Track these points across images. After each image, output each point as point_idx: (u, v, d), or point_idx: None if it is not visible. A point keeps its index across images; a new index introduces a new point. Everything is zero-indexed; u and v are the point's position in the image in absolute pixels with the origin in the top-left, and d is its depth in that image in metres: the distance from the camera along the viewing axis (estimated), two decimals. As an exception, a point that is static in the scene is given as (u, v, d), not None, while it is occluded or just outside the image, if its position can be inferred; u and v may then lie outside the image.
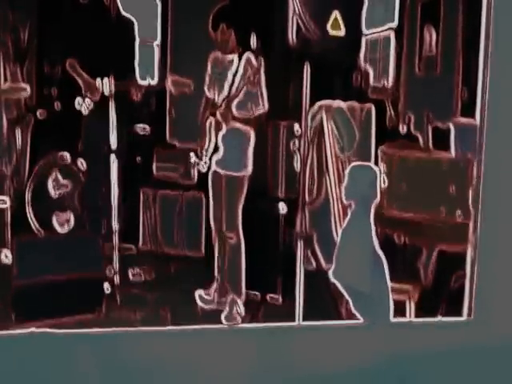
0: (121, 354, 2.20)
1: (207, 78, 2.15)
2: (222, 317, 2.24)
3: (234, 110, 2.17)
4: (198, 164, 2.17)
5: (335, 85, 2.19)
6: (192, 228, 2.22)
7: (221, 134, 2.18)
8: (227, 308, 2.24)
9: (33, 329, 2.17)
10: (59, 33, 2.08)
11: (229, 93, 2.16)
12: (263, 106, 2.17)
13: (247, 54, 2.13)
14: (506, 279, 2.27)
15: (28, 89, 2.09)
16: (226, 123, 2.16)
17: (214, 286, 2.23)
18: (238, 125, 2.17)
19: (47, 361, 2.18)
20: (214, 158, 2.18)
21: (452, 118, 2.22)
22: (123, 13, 2.09)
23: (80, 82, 2.10)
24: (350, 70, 2.18)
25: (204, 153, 2.18)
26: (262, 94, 2.16)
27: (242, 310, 2.24)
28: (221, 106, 2.16)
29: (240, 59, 2.14)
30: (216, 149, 2.18)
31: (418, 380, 2.25)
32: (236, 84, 2.15)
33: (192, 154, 2.18)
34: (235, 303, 2.24)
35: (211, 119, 2.17)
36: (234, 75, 2.15)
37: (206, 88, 2.15)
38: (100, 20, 2.09)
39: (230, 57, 2.14)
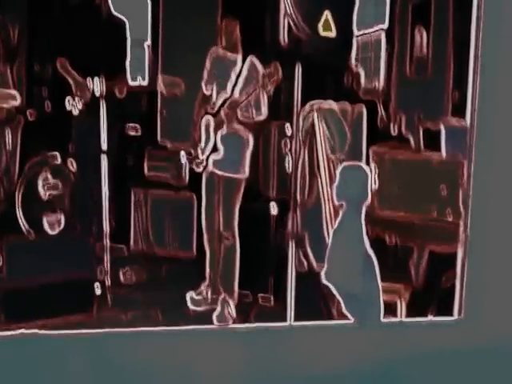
0: (112, 356, 2.20)
1: (205, 75, 2.14)
2: (214, 316, 2.24)
3: (238, 112, 2.17)
4: (191, 163, 2.17)
5: (327, 85, 2.19)
6: (183, 229, 2.21)
7: (219, 134, 2.17)
8: (219, 307, 2.24)
9: (22, 330, 2.16)
10: (49, 32, 2.07)
11: (232, 93, 2.15)
12: (262, 113, 2.17)
13: (251, 57, 2.13)
14: (496, 279, 2.29)
15: (18, 97, 2.08)
16: (229, 124, 2.16)
17: (206, 285, 2.23)
18: (238, 127, 2.17)
19: (37, 362, 2.17)
20: (212, 158, 2.18)
21: (443, 119, 2.23)
22: (114, 12, 2.08)
23: (71, 81, 2.09)
24: (341, 71, 2.18)
25: (200, 152, 2.17)
26: (263, 101, 2.17)
27: (233, 310, 2.24)
28: (224, 105, 2.15)
29: (244, 60, 2.13)
30: (214, 149, 2.18)
31: (409, 380, 2.26)
32: (240, 86, 2.14)
33: (182, 154, 2.17)
34: (227, 303, 2.24)
35: (209, 118, 2.16)
36: (238, 76, 2.14)
37: (203, 84, 2.14)
38: (91, 19, 2.08)
39: (232, 56, 2.14)
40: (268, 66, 2.14)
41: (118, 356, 2.19)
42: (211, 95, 2.15)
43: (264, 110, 2.17)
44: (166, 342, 2.20)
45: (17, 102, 2.08)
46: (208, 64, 2.13)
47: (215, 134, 2.16)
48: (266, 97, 2.15)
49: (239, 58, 2.13)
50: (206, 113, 2.16)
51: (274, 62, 2.14)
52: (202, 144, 2.17)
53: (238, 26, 2.11)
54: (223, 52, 2.13)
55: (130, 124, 2.15)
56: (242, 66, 2.13)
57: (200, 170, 2.18)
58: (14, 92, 2.07)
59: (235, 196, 2.19)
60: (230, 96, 2.15)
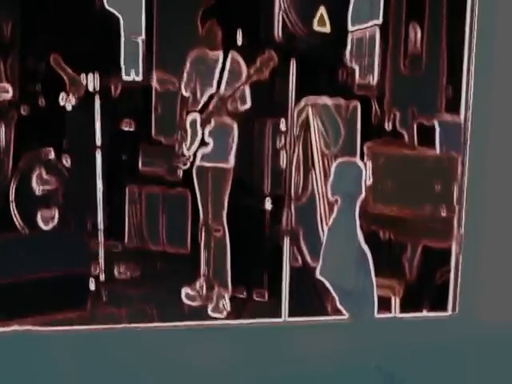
0: (106, 351, 2.18)
1: (185, 76, 2.14)
2: (209, 309, 2.24)
3: (228, 105, 2.17)
4: (179, 162, 2.18)
5: (321, 81, 2.20)
6: (178, 225, 2.21)
7: (208, 128, 2.17)
8: (214, 301, 2.24)
9: (15, 327, 2.14)
10: (43, 28, 2.06)
11: (218, 89, 2.16)
12: (247, 103, 2.18)
13: (232, 52, 2.14)
14: (489, 274, 2.29)
15: (10, 90, 2.07)
16: (218, 117, 2.16)
17: (201, 281, 2.23)
18: (225, 118, 2.17)
19: (31, 359, 2.16)
20: (200, 153, 2.18)
21: (437, 115, 2.23)
22: (107, 7, 2.07)
23: (64, 77, 2.09)
24: (335, 67, 2.18)
25: (185, 148, 2.18)
26: (248, 91, 2.17)
27: (228, 304, 2.24)
28: (210, 101, 2.16)
29: (226, 56, 2.14)
30: (202, 143, 2.18)
31: (404, 374, 2.26)
32: (225, 81, 2.15)
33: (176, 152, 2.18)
34: (222, 297, 2.24)
35: (195, 115, 2.17)
36: (222, 72, 2.15)
37: (182, 86, 2.15)
38: (85, 15, 2.07)
39: (214, 54, 2.14)
40: (256, 57, 2.14)
41: (112, 352, 2.18)
42: (194, 94, 2.16)
43: (249, 100, 2.17)
44: (161, 338, 2.19)
45: (8, 95, 2.07)
46: (188, 66, 2.14)
47: (202, 128, 2.17)
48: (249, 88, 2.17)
49: (221, 54, 2.14)
50: (192, 111, 2.17)
51: (263, 53, 2.14)
52: (188, 141, 2.17)
53: (221, 25, 2.12)
54: (206, 52, 2.13)
55: (124, 119, 2.15)
56: (225, 62, 2.14)
57: (186, 167, 2.18)
58: (5, 85, 2.06)
59: (224, 186, 2.19)
60: (217, 91, 2.16)
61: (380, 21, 2.18)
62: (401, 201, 2.26)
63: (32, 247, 2.13)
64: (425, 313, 2.32)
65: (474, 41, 2.19)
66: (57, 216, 2.15)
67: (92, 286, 2.18)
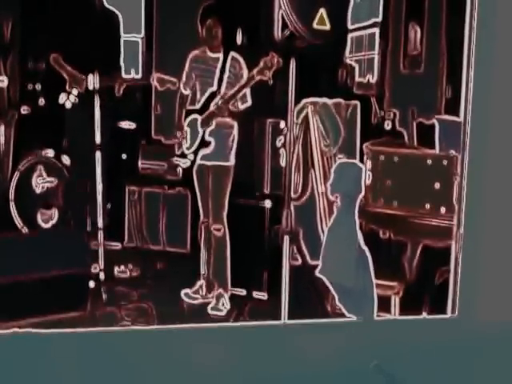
0: (106, 352, 2.19)
1: (184, 75, 2.15)
2: (209, 308, 2.24)
3: (230, 107, 2.18)
4: (179, 162, 2.18)
5: (321, 81, 2.20)
6: (177, 224, 2.21)
7: (209, 128, 2.18)
8: (214, 300, 2.24)
9: (15, 329, 2.14)
10: (43, 27, 2.06)
11: (219, 88, 2.16)
12: (248, 101, 2.18)
13: (233, 52, 2.14)
14: (489, 273, 2.30)
15: (5, 80, 2.07)
16: (219, 117, 2.16)
17: (201, 282, 2.23)
18: (225, 119, 2.18)
19: (31, 359, 2.16)
20: (201, 153, 2.18)
21: (436, 115, 2.24)
22: (107, 5, 2.07)
23: (65, 76, 2.09)
24: (335, 67, 2.18)
25: (186, 149, 2.18)
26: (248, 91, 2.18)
27: (227, 302, 2.24)
28: (211, 101, 2.16)
29: (226, 56, 2.14)
30: (203, 143, 2.18)
31: (404, 374, 2.26)
32: (226, 81, 2.16)
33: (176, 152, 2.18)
34: (221, 296, 2.24)
35: (195, 115, 2.17)
36: (222, 71, 2.15)
37: (181, 85, 2.15)
38: (85, 14, 2.07)
39: (214, 54, 2.15)
40: (256, 57, 2.14)
41: (112, 351, 2.18)
42: (194, 94, 2.16)
43: (249, 98, 2.17)
44: (161, 339, 2.19)
45: (4, 83, 2.07)
46: (187, 67, 2.14)
47: (203, 129, 2.17)
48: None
49: (221, 54, 2.15)
50: (192, 110, 2.17)
51: (266, 55, 2.15)
52: (188, 141, 2.17)
53: (221, 25, 2.12)
54: (205, 52, 2.14)
55: (124, 119, 2.15)
56: (225, 63, 2.15)
57: (186, 165, 2.18)
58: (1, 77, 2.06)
59: (225, 185, 2.19)
60: (217, 91, 2.16)
61: (379, 20, 2.18)
62: (400, 200, 2.26)
63: (32, 247, 2.13)
64: (424, 313, 2.31)
65: (474, 40, 2.19)
66: (56, 215, 2.15)
67: (92, 287, 2.18)
